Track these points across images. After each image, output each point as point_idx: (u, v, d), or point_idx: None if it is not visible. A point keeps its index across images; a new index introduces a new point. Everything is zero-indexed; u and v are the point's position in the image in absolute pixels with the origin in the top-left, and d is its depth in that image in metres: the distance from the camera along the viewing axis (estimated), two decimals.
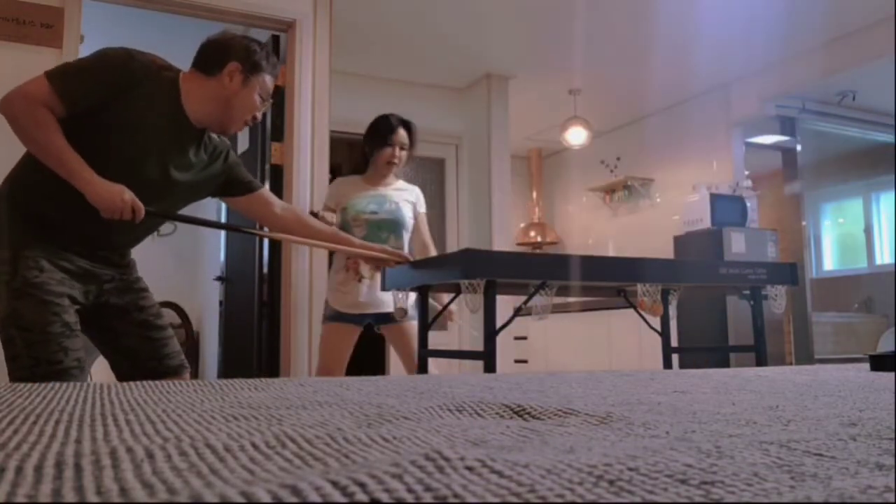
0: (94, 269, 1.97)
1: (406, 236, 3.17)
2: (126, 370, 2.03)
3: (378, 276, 2.96)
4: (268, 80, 2.05)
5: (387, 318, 3.07)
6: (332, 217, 2.95)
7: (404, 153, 3.14)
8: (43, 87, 1.81)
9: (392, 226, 3.11)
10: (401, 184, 3.26)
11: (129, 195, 1.81)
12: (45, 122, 1.79)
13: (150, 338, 2.06)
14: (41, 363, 1.79)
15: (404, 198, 3.20)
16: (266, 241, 4.06)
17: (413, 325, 3.05)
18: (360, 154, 3.23)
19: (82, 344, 1.90)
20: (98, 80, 1.85)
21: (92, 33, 4.10)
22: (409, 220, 3.17)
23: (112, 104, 1.85)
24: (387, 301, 3.01)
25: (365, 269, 3.00)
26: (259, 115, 2.07)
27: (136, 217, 1.84)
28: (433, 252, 3.27)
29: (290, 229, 2.30)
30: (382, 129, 3.12)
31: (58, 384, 1.10)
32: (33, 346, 1.80)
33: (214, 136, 2.12)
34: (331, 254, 3.41)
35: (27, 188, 1.91)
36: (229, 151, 2.20)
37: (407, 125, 3.17)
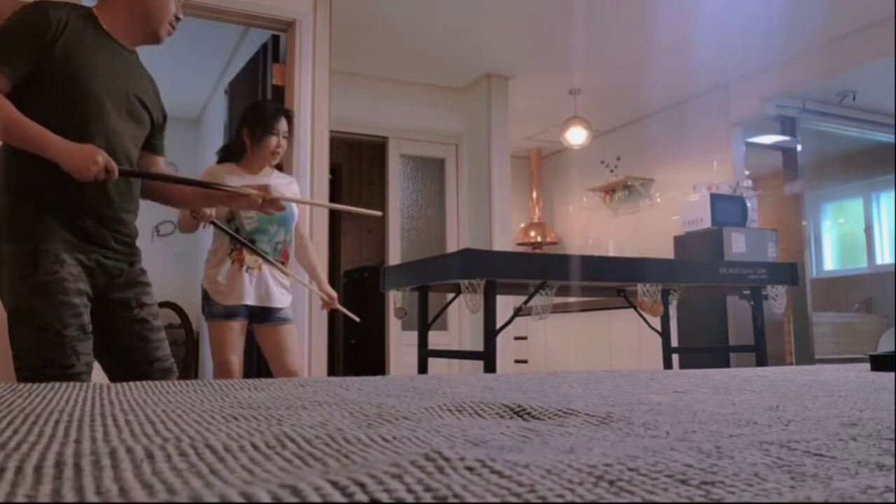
0: (106, 262, 1.93)
1: (293, 230, 3.01)
2: (114, 369, 1.99)
3: (266, 268, 2.84)
4: None
5: (267, 315, 2.90)
6: (211, 211, 2.72)
7: (286, 142, 2.96)
8: None
9: (282, 219, 2.90)
10: (280, 174, 3.09)
11: (101, 156, 1.76)
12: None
13: (146, 338, 2.01)
14: (52, 366, 1.76)
15: (290, 190, 3.03)
16: None
17: (292, 327, 2.93)
18: (237, 140, 2.97)
19: (91, 345, 1.86)
20: (26, 35, 1.81)
21: None
22: (297, 212, 3.01)
23: (48, 60, 1.81)
24: (275, 296, 2.87)
25: (250, 259, 2.83)
26: (181, 16, 2.03)
27: (111, 177, 1.79)
28: (311, 246, 3.15)
29: (164, 194, 2.17)
30: (266, 117, 2.92)
31: (58, 384, 1.10)
32: (47, 347, 1.76)
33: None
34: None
35: (20, 171, 1.85)
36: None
37: (287, 114, 3.00)
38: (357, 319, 3.07)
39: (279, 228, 2.89)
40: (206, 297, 2.85)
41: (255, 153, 2.90)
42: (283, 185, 2.93)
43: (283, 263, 2.85)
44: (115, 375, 1.98)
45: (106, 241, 1.93)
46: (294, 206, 2.95)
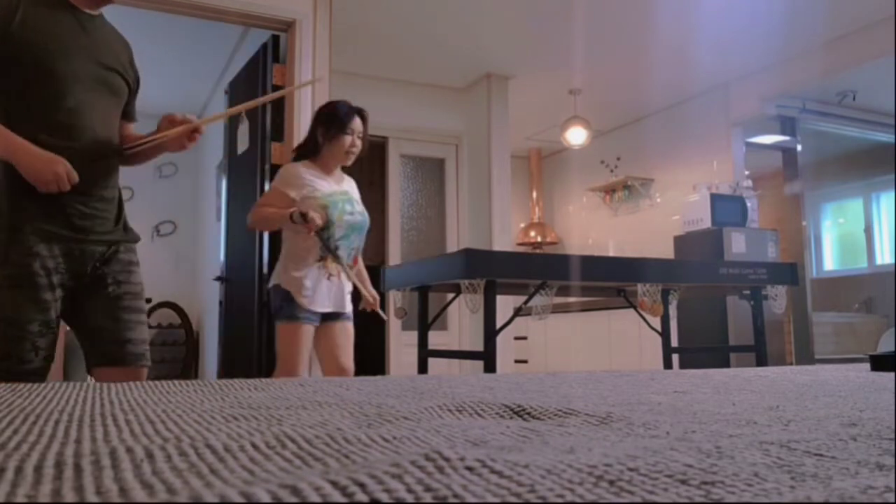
0: (89, 248, 1.87)
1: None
2: (88, 351, 1.93)
3: (342, 274, 2.87)
4: None
5: (334, 317, 2.93)
6: (320, 220, 2.73)
7: (360, 141, 2.98)
8: None
9: (361, 227, 2.96)
10: (347, 177, 3.10)
11: (62, 167, 1.75)
12: None
13: (118, 318, 1.92)
14: (11, 358, 1.75)
15: (358, 194, 3.07)
16: (266, 242, 4.06)
17: (351, 326, 2.98)
18: (310, 139, 2.97)
19: (54, 339, 1.84)
20: None
21: None
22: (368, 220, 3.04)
23: (6, 44, 1.77)
24: (346, 302, 2.93)
25: (332, 266, 2.84)
26: None
27: (70, 184, 1.76)
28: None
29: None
30: (340, 116, 2.94)
31: (59, 384, 1.10)
32: (7, 339, 1.76)
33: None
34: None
35: None
36: (132, 55, 2.07)
37: (362, 113, 3.03)
38: (385, 318, 3.11)
39: (357, 235, 2.93)
40: (287, 298, 2.80)
41: (329, 152, 2.91)
42: (354, 190, 3.05)
43: (351, 268, 2.88)
44: (90, 358, 1.93)
45: (89, 226, 1.88)
46: (367, 215, 3.00)
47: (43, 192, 1.75)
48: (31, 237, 1.78)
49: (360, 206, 2.99)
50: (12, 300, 1.76)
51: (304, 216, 2.67)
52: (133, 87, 2.05)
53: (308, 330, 2.81)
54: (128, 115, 2.06)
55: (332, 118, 2.91)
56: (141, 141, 1.98)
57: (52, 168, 1.74)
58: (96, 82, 1.90)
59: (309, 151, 2.94)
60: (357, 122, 2.94)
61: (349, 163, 2.97)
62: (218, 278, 4.77)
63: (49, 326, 1.80)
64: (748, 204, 5.32)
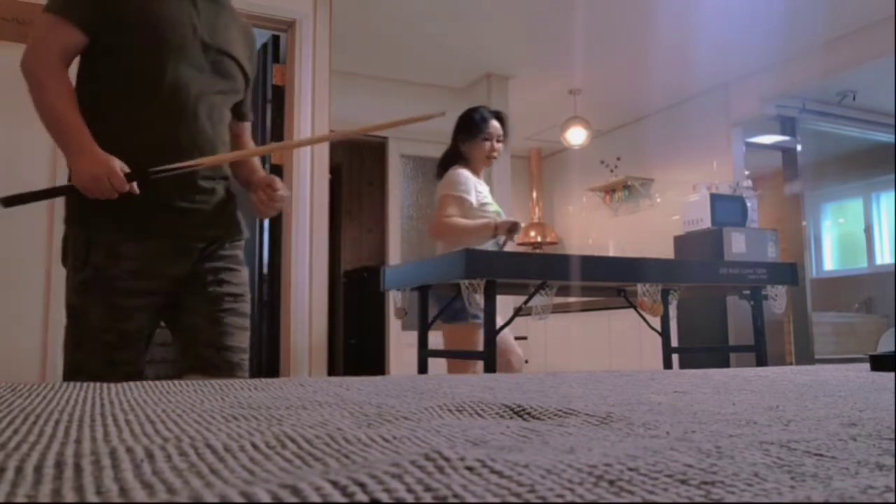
0: (187, 244, 1.69)
1: None
2: (181, 353, 1.74)
3: None
4: None
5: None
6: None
7: (501, 144, 3.09)
8: (49, 26, 1.59)
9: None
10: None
11: (104, 170, 1.52)
12: (59, 77, 1.59)
13: (218, 320, 1.71)
14: (82, 373, 1.56)
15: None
16: (266, 242, 4.06)
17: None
18: (453, 149, 3.08)
19: (138, 354, 1.66)
20: None
21: None
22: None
23: (121, 5, 1.62)
24: None
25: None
26: None
27: (118, 191, 1.54)
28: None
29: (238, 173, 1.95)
30: (476, 122, 3.04)
31: (59, 384, 1.09)
32: (81, 350, 1.59)
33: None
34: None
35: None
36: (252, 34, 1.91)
37: (499, 116, 3.12)
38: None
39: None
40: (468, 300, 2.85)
41: (472, 158, 3.03)
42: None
43: None
44: (182, 362, 1.74)
45: (185, 220, 1.68)
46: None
47: (89, 196, 1.55)
48: (115, 235, 1.61)
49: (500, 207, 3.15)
50: (86, 307, 1.59)
51: (512, 229, 2.84)
52: (249, 82, 1.87)
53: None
54: (240, 113, 1.89)
55: (471, 125, 3.03)
56: (178, 166, 1.66)
57: (92, 171, 1.51)
58: (204, 64, 1.71)
59: (454, 159, 3.05)
60: (495, 126, 3.04)
61: (490, 165, 3.14)
62: None
63: (129, 338, 1.62)
64: (748, 204, 5.32)
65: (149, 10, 1.65)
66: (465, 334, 2.84)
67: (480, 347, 2.74)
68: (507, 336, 2.88)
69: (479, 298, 2.39)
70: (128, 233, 1.62)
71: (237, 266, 1.81)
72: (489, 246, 2.89)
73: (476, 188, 2.98)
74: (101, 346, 1.59)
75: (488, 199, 3.03)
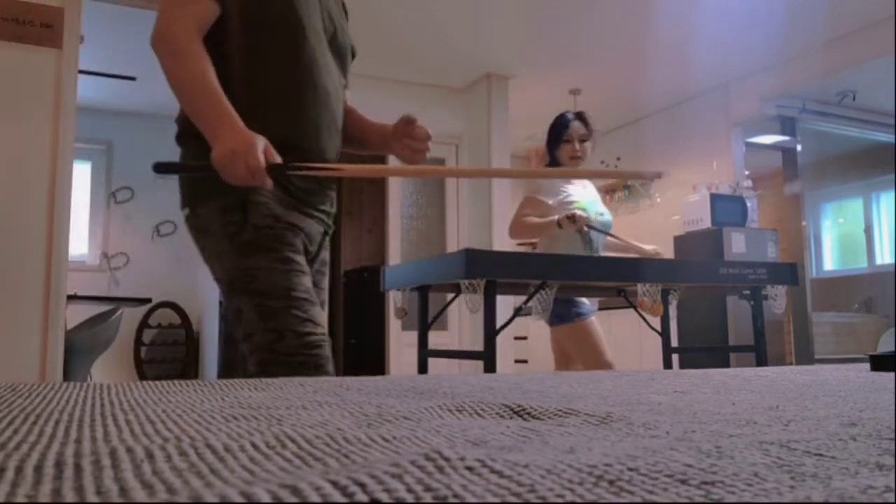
0: (315, 228, 1.62)
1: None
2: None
3: None
4: None
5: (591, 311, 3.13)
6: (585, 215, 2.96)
7: (587, 144, 3.18)
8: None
9: (608, 226, 3.27)
10: (588, 182, 3.35)
11: (252, 159, 1.35)
12: (201, 47, 1.46)
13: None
14: (285, 335, 1.41)
15: (598, 196, 3.32)
16: None
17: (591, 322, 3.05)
18: (551, 157, 3.26)
19: (322, 315, 1.55)
20: None
21: (92, 33, 4.10)
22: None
23: None
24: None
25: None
26: None
27: (253, 174, 1.37)
28: None
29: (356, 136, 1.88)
30: (557, 128, 3.18)
31: (59, 384, 1.09)
32: (271, 316, 1.42)
33: None
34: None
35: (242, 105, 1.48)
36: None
37: (580, 117, 3.22)
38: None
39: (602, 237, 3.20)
40: (568, 300, 2.98)
41: (561, 161, 3.19)
42: (595, 191, 3.31)
43: None
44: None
45: (318, 200, 1.62)
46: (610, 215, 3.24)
47: (226, 178, 1.39)
48: (267, 198, 1.50)
49: (603, 207, 3.29)
50: (261, 266, 1.45)
51: (571, 218, 2.91)
52: (354, 58, 1.82)
53: (593, 320, 3.09)
54: (346, 84, 1.85)
55: (554, 130, 3.19)
56: (327, 167, 1.58)
57: (231, 146, 1.36)
58: (327, 39, 1.67)
59: (551, 163, 3.24)
60: (576, 127, 3.16)
61: (578, 165, 3.22)
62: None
63: (311, 294, 1.50)
64: (748, 204, 5.32)
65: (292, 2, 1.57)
66: (574, 334, 3.01)
67: (592, 340, 2.95)
68: (599, 336, 3.04)
69: (479, 298, 2.39)
70: (278, 200, 1.53)
71: (326, 269, 1.76)
72: (577, 243, 3.05)
73: (561, 189, 3.12)
74: (295, 304, 1.44)
75: (574, 196, 3.13)
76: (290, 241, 1.51)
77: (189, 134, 1.52)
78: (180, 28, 1.47)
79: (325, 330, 1.50)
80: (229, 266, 1.48)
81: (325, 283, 1.74)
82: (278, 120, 1.55)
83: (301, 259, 1.52)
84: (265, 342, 1.43)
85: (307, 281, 1.51)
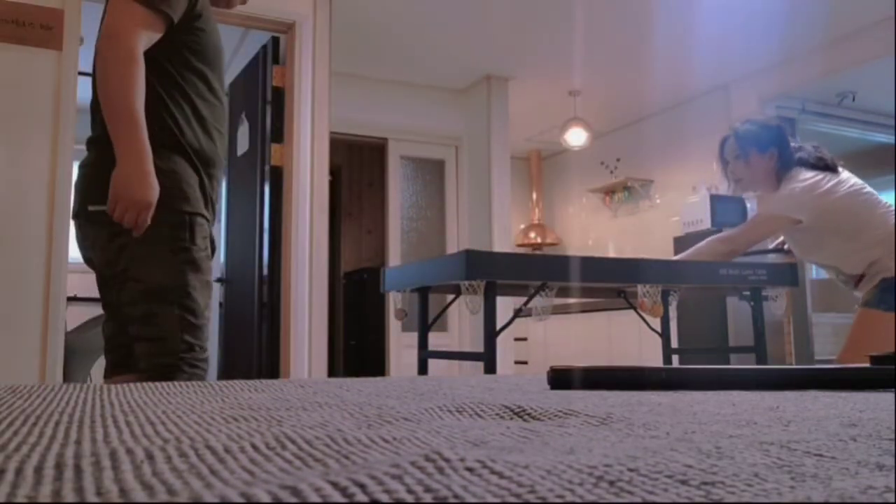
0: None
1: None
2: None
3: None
4: None
5: None
6: None
7: (737, 167, 2.88)
8: (138, 12, 1.56)
9: None
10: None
11: (144, 216, 1.52)
12: (137, 67, 1.54)
13: None
14: (192, 350, 1.60)
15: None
16: (266, 242, 4.06)
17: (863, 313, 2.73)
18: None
19: None
20: None
21: (92, 35, 4.10)
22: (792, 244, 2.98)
23: (192, 21, 1.66)
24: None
25: None
26: None
27: (136, 226, 1.53)
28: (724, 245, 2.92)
29: None
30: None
31: (59, 385, 1.10)
32: (189, 330, 1.60)
33: None
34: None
35: (177, 127, 1.64)
36: None
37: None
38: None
39: None
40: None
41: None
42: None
43: (860, 278, 2.78)
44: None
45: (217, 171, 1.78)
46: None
47: (111, 209, 1.51)
48: (204, 215, 1.67)
49: None
50: (194, 286, 1.62)
51: None
52: None
53: None
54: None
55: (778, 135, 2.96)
56: None
57: (139, 194, 1.49)
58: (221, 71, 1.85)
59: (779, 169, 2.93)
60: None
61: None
62: (218, 279, 4.77)
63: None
64: (748, 205, 5.32)
65: (209, 16, 1.72)
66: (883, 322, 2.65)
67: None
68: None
69: (479, 300, 2.39)
70: (211, 217, 1.72)
71: None
72: None
73: None
74: (206, 323, 1.64)
75: None
76: (209, 265, 1.68)
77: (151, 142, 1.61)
78: (136, 41, 1.55)
79: None
80: (164, 275, 1.60)
81: None
82: (200, 137, 1.69)
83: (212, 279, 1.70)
84: (178, 350, 1.59)
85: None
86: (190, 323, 1.61)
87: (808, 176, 2.79)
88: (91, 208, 1.64)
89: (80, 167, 1.72)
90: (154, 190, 1.52)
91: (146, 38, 1.58)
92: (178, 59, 1.66)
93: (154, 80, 1.62)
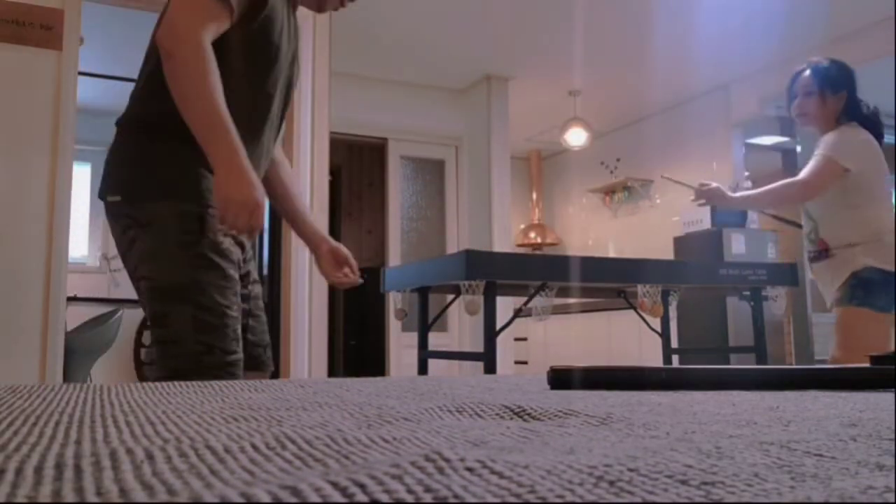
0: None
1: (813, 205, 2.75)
2: None
3: (818, 269, 2.75)
4: None
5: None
6: None
7: (806, 100, 2.81)
8: (204, 4, 1.46)
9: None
10: (832, 132, 2.77)
11: (259, 215, 1.42)
12: (212, 63, 1.43)
13: (259, 317, 1.77)
14: (214, 351, 1.48)
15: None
16: (266, 243, 4.06)
17: (840, 312, 2.76)
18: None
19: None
20: None
21: (92, 35, 4.10)
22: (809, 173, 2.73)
23: (250, 19, 1.55)
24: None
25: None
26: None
27: (253, 228, 1.43)
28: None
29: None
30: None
31: (59, 385, 1.10)
32: (206, 330, 1.47)
33: None
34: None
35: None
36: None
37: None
38: None
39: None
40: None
41: None
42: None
43: (823, 250, 2.73)
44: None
45: None
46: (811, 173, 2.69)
47: (222, 221, 1.41)
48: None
49: None
50: (211, 282, 1.49)
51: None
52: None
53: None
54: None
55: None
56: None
57: (245, 195, 1.39)
58: (285, 78, 1.69)
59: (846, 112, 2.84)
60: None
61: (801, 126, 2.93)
62: None
63: (239, 314, 1.57)
64: None
65: (274, 15, 1.59)
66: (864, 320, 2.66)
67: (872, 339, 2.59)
68: None
69: (479, 300, 2.39)
70: None
71: (255, 273, 1.82)
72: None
73: None
74: (230, 322, 1.50)
75: None
76: (233, 258, 1.55)
77: (162, 131, 1.51)
78: (203, 37, 1.44)
79: (241, 349, 1.55)
80: (173, 272, 1.49)
81: (260, 292, 1.81)
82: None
83: (237, 275, 1.56)
84: (194, 352, 1.47)
85: (239, 298, 1.56)
86: (207, 323, 1.47)
87: (863, 131, 2.73)
88: (109, 199, 1.57)
89: (108, 152, 1.64)
90: (257, 187, 1.42)
91: (213, 30, 1.47)
92: (227, 52, 1.54)
93: None
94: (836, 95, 2.76)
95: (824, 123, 2.78)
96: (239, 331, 1.54)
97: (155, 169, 1.54)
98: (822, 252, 2.72)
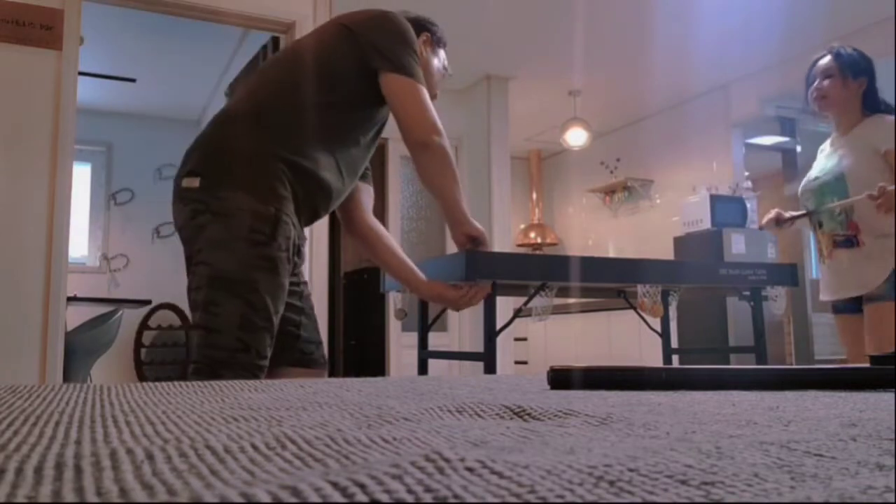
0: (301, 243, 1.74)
1: (853, 195, 2.55)
2: (281, 346, 1.69)
3: (840, 255, 2.67)
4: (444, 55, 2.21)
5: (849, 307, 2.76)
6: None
7: (827, 83, 2.69)
8: (425, 94, 1.82)
9: (824, 186, 2.69)
10: (867, 123, 2.68)
11: (480, 235, 2.00)
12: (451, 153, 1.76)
13: (311, 315, 1.86)
14: (250, 350, 1.51)
15: (863, 142, 2.63)
16: None
17: (871, 308, 2.64)
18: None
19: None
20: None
21: (92, 35, 4.10)
22: (858, 173, 2.58)
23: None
24: (848, 284, 2.70)
25: (823, 245, 2.74)
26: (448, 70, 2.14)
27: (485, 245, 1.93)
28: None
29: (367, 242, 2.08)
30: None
31: (59, 385, 1.10)
32: (249, 329, 1.51)
33: None
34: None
35: (300, 139, 1.64)
36: None
37: (831, 51, 2.75)
38: None
39: (832, 199, 2.65)
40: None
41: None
42: (858, 138, 2.65)
43: (853, 236, 2.63)
44: (282, 355, 1.71)
45: (311, 223, 1.78)
46: (856, 163, 2.58)
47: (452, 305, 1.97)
48: (293, 218, 1.61)
49: (836, 161, 2.70)
50: (265, 284, 1.53)
51: (771, 221, 2.90)
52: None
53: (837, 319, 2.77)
54: (366, 175, 2.06)
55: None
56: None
57: (474, 231, 1.99)
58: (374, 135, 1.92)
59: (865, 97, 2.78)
60: (817, 65, 2.78)
61: (818, 112, 2.79)
62: None
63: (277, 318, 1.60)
64: (748, 205, 5.32)
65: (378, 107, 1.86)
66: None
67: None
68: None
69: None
70: (301, 219, 1.67)
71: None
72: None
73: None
74: (271, 327, 1.55)
75: (814, 171, 2.80)
76: (289, 268, 1.60)
77: (265, 140, 1.60)
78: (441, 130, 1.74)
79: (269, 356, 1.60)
80: (236, 266, 1.53)
81: (310, 293, 1.90)
82: (323, 163, 1.70)
83: (287, 284, 1.62)
84: (232, 347, 1.51)
85: (283, 304, 1.61)
86: (252, 323, 1.51)
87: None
88: (185, 183, 1.59)
89: (197, 137, 1.67)
90: (474, 225, 1.96)
91: None
92: (349, 107, 1.76)
93: (325, 99, 1.69)
94: (857, 80, 2.72)
95: (844, 109, 2.71)
96: (273, 335, 1.57)
97: (244, 166, 1.59)
98: (853, 238, 2.62)
